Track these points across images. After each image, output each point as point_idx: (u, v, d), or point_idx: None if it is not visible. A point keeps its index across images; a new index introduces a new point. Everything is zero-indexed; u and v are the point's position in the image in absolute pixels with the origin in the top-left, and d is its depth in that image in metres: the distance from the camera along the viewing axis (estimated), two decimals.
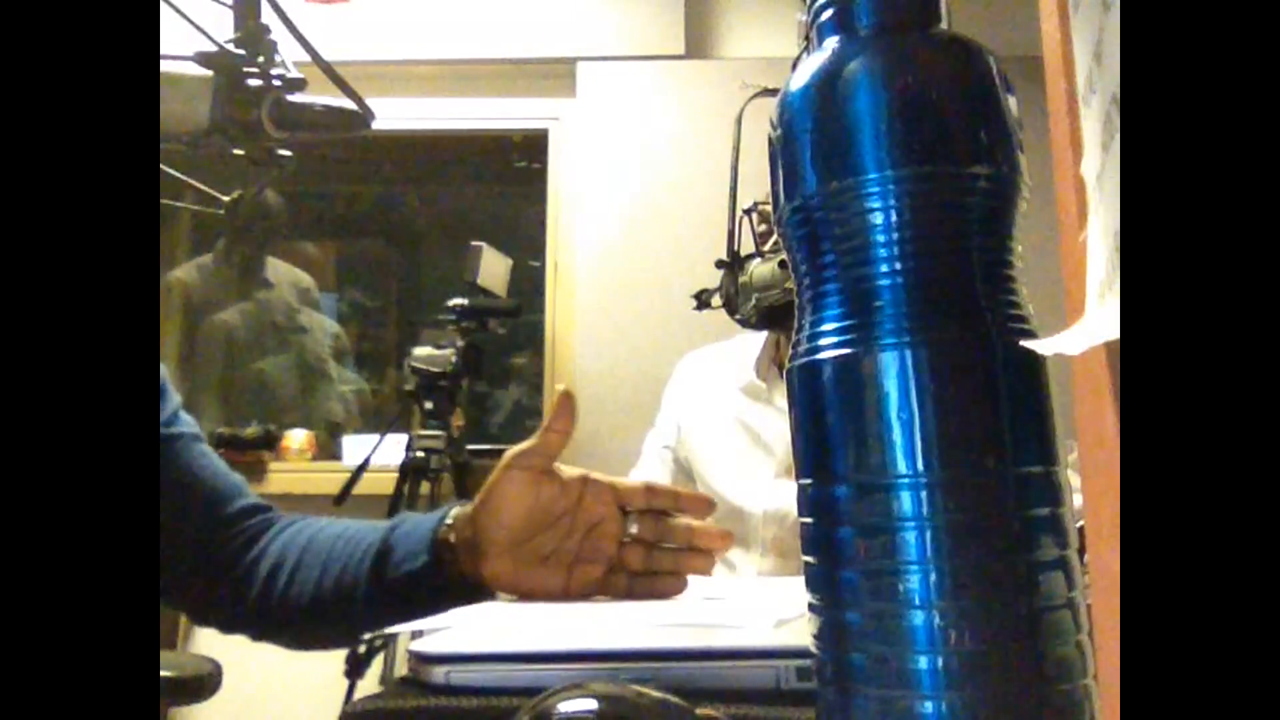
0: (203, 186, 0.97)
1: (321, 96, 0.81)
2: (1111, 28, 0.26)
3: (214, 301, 3.00)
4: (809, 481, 0.31)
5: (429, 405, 2.21)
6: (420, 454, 2.15)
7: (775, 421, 1.39)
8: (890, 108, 0.30)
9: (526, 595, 0.69)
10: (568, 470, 0.71)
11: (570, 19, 2.67)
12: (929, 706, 0.27)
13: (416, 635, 0.52)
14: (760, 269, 1.21)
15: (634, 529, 0.71)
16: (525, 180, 3.10)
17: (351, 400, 3.10)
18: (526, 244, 2.82)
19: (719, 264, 1.23)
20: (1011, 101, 0.31)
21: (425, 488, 2.13)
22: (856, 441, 0.29)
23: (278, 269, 3.04)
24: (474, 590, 0.71)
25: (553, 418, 0.70)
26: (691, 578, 0.71)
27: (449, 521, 0.73)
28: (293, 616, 0.77)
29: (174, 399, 0.82)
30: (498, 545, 0.69)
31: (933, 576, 0.28)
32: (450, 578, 0.71)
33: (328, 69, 0.82)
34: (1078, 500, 0.31)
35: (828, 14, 0.32)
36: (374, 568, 0.73)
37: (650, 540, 0.71)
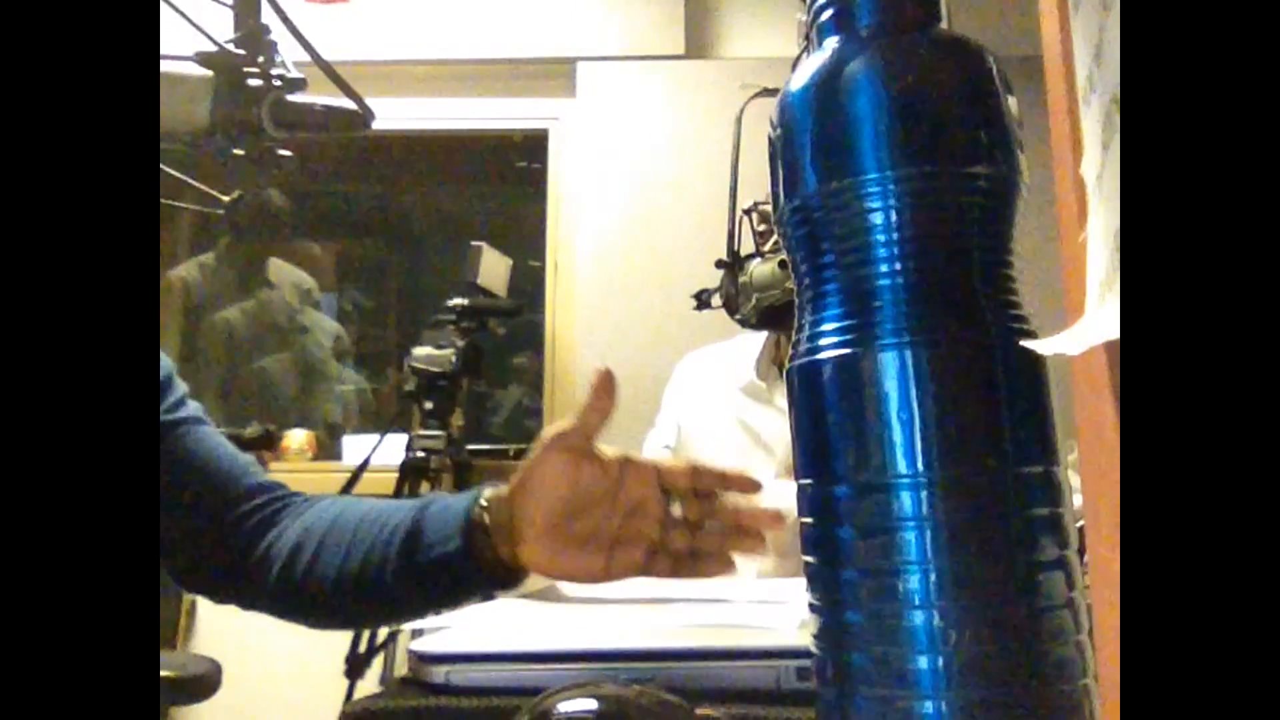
0: (203, 186, 0.97)
1: (321, 96, 0.81)
2: (1111, 28, 0.26)
3: (215, 300, 3.01)
4: (809, 481, 0.31)
5: (429, 405, 2.21)
6: (420, 454, 2.15)
7: (775, 421, 1.39)
8: (890, 108, 0.30)
9: (564, 578, 0.68)
10: (608, 451, 0.70)
11: (570, 19, 2.67)
12: (929, 706, 0.27)
13: (417, 635, 0.52)
14: (760, 269, 1.21)
15: (677, 510, 0.70)
16: (525, 180, 3.10)
17: (351, 401, 3.10)
18: (526, 244, 2.82)
19: (719, 264, 1.23)
20: (1011, 101, 0.31)
21: (425, 488, 2.13)
22: (856, 441, 0.29)
23: (280, 269, 3.04)
24: (507, 573, 0.69)
25: (593, 396, 0.68)
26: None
27: (482, 503, 0.71)
28: (316, 596, 0.75)
29: (180, 387, 0.81)
30: (535, 528, 0.67)
31: (933, 576, 0.28)
32: (483, 561, 0.69)
33: (328, 69, 0.82)
34: (1078, 500, 0.31)
35: (828, 14, 0.32)
36: (403, 549, 0.71)
37: (695, 521, 0.69)
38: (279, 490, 0.81)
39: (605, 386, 0.69)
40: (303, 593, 0.75)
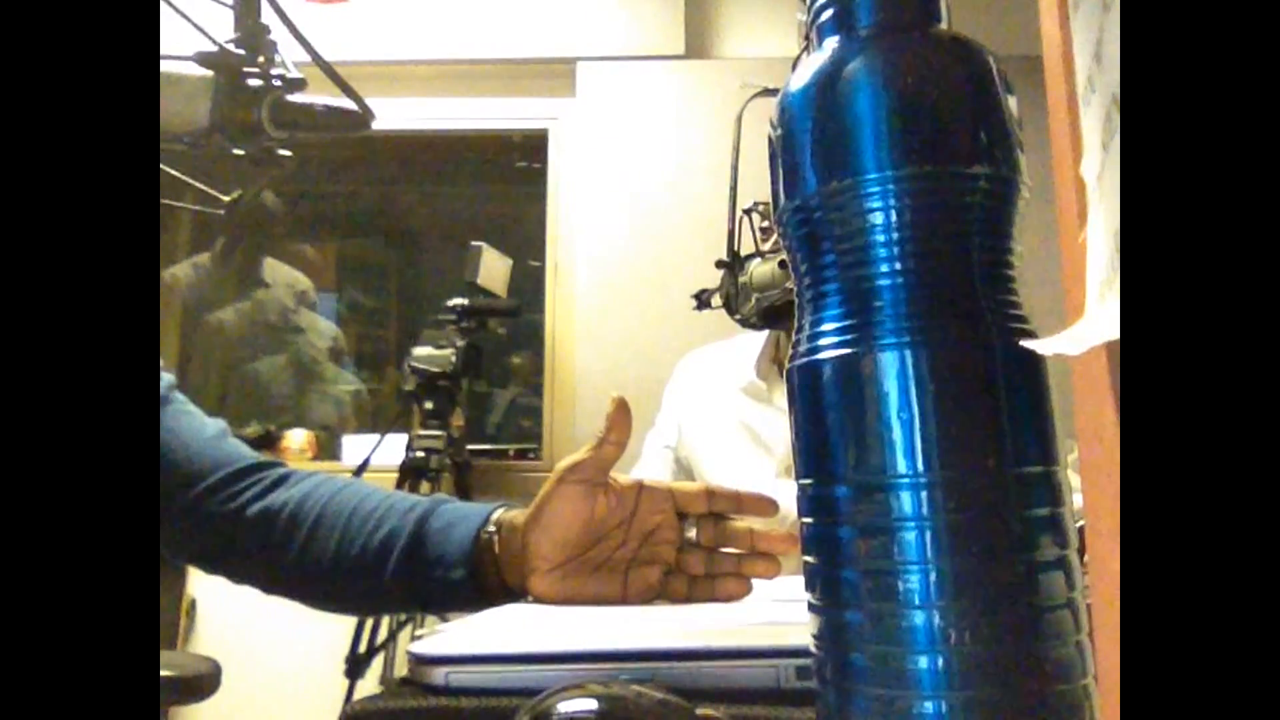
0: (203, 186, 0.97)
1: (321, 96, 0.81)
2: (1111, 28, 0.26)
3: (209, 300, 3.01)
4: (809, 481, 0.31)
5: (429, 405, 2.21)
6: (420, 454, 2.16)
7: (775, 421, 1.39)
8: (890, 108, 0.30)
9: (583, 603, 0.67)
10: (622, 479, 0.70)
11: (570, 19, 2.67)
12: (929, 706, 0.27)
13: (416, 636, 0.52)
14: (760, 269, 1.20)
15: (692, 533, 0.70)
16: (525, 180, 3.10)
17: (346, 402, 3.09)
18: (526, 244, 2.82)
19: (719, 264, 1.23)
20: (1011, 101, 0.31)
21: (425, 488, 2.13)
22: (856, 441, 0.29)
23: (275, 270, 3.04)
24: (512, 599, 0.69)
25: (608, 428, 0.68)
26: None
27: (491, 527, 0.70)
28: (308, 577, 0.75)
29: None
30: (549, 561, 0.67)
31: (933, 576, 0.28)
32: (487, 588, 0.69)
33: (328, 69, 0.82)
34: (1078, 500, 0.31)
35: (828, 14, 0.32)
36: (404, 560, 0.71)
37: (710, 545, 0.70)
38: (249, 461, 0.80)
39: (621, 418, 0.68)
40: (295, 571, 0.75)
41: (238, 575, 0.79)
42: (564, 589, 0.67)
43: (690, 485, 0.72)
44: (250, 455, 0.81)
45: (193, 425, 0.80)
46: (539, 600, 0.68)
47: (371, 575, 0.72)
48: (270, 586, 0.78)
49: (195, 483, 0.77)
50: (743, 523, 0.70)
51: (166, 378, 0.81)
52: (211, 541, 0.78)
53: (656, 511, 0.69)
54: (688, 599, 0.68)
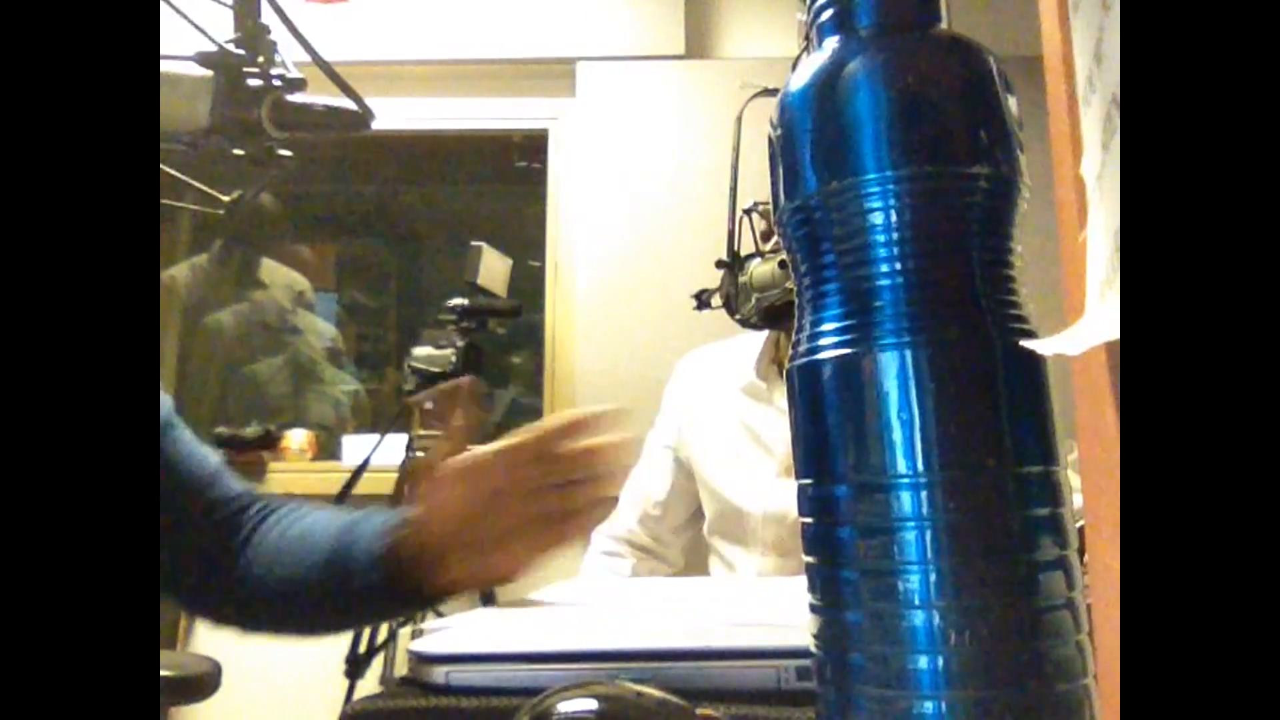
0: (203, 186, 0.97)
1: (321, 96, 0.81)
2: (1111, 28, 0.26)
3: (207, 301, 3.01)
4: (809, 481, 0.31)
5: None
6: (420, 454, 2.15)
7: (775, 421, 1.39)
8: (890, 108, 0.30)
9: (496, 582, 0.69)
10: (483, 451, 0.70)
11: (570, 19, 2.67)
12: (929, 706, 0.27)
13: (416, 635, 0.52)
14: (760, 269, 1.20)
15: (558, 477, 0.70)
16: (525, 180, 3.10)
17: (344, 403, 3.09)
18: (526, 244, 2.82)
19: (719, 264, 1.23)
20: (1011, 101, 0.31)
21: None
22: (856, 441, 0.29)
23: (273, 271, 3.04)
24: (432, 599, 0.71)
25: (448, 412, 0.71)
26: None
27: (403, 530, 0.71)
28: (265, 610, 0.76)
29: None
30: (450, 552, 0.69)
31: (933, 576, 0.28)
32: (405, 588, 0.70)
33: (328, 69, 0.82)
34: (1078, 500, 0.31)
35: (828, 14, 0.32)
36: (326, 572, 0.72)
37: (578, 477, 0.70)
38: (244, 499, 0.80)
39: (459, 399, 0.70)
40: (255, 606, 0.77)
41: (220, 616, 0.80)
42: (476, 573, 0.69)
43: (545, 426, 0.72)
44: (247, 491, 0.81)
45: (198, 454, 0.80)
46: (447, 593, 0.70)
47: (299, 594, 0.73)
48: (243, 622, 0.79)
49: (200, 520, 0.78)
50: (589, 443, 0.70)
51: (166, 400, 0.81)
52: (214, 577, 0.78)
53: (525, 469, 0.70)
54: (564, 537, 0.69)
